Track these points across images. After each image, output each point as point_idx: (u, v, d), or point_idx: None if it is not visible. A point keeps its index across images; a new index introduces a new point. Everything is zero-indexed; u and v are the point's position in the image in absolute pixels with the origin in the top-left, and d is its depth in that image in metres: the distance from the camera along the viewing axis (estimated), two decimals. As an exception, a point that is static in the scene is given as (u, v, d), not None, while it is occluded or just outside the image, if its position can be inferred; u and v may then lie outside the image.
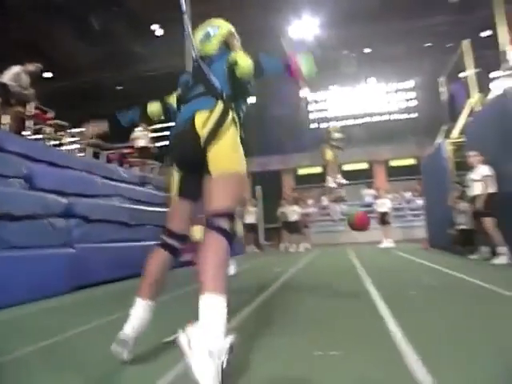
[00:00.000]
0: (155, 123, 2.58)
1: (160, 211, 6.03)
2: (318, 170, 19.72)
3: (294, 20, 14.07)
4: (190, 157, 1.96)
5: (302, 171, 20.35)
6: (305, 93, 17.88)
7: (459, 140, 6.90)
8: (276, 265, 6.19)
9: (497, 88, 6.78)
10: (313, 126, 20.78)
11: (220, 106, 1.92)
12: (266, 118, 18.81)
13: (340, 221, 14.36)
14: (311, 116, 20.81)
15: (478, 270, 4.17)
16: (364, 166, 19.77)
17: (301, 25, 14.06)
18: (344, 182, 11.64)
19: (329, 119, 20.52)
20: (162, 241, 1.99)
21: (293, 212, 10.94)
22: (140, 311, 1.85)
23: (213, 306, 1.53)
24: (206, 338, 1.43)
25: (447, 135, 7.82)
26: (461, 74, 8.01)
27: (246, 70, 1.99)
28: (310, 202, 14.80)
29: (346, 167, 19.53)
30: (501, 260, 4.61)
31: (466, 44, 7.48)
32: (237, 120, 1.97)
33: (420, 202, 12.77)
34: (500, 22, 6.06)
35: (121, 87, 19.96)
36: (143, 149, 9.41)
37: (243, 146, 1.94)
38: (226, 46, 2.29)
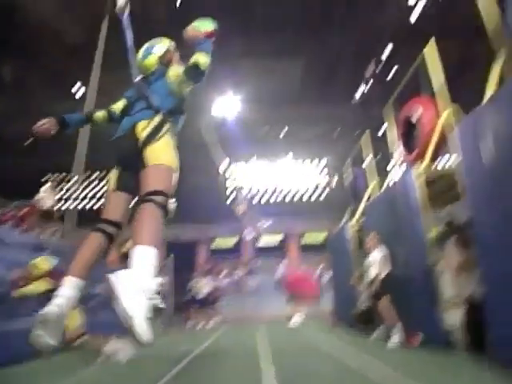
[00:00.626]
0: (97, 126, 2.82)
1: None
2: (233, 241, 19.80)
3: (217, 95, 14.95)
4: (129, 155, 2.29)
5: (217, 242, 20.20)
6: (224, 165, 18.49)
7: (360, 222, 7.46)
8: (180, 344, 5.74)
9: (391, 176, 7.61)
10: (230, 197, 21.21)
11: (158, 117, 2.34)
12: (183, 186, 18.68)
13: (252, 295, 14.19)
14: (229, 187, 21.35)
15: (377, 353, 4.24)
16: (278, 238, 20.32)
17: (224, 100, 14.95)
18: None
19: (246, 192, 21.16)
20: (98, 227, 2.19)
21: (204, 286, 10.56)
22: (68, 290, 1.93)
23: (145, 254, 1.75)
24: (138, 278, 1.60)
25: (351, 217, 8.41)
26: (365, 163, 8.95)
27: (176, 81, 2.48)
28: (223, 274, 14.50)
29: (261, 241, 19.98)
30: (394, 339, 4.82)
31: (366, 136, 8.46)
32: (172, 130, 2.39)
33: (328, 277, 13.22)
34: (389, 121, 6.99)
35: (29, 141, 18.64)
36: (47, 210, 8.59)
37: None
38: (166, 61, 2.68)
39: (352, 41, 13.47)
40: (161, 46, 2.77)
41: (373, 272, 5.33)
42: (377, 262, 5.29)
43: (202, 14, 2.75)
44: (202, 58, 2.41)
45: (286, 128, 18.24)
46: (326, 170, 21.95)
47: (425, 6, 10.71)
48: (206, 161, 18.58)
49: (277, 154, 20.45)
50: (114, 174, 2.37)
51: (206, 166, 18.98)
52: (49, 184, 8.85)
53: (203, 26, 2.55)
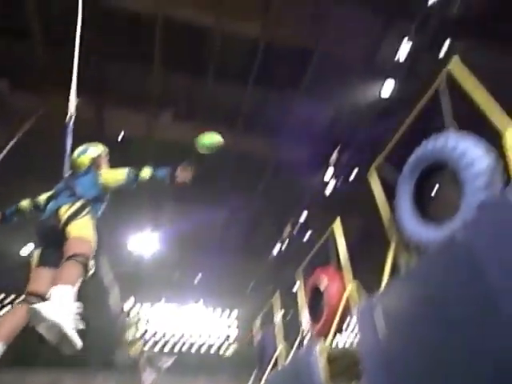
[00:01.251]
0: (23, 216, 3.32)
1: None
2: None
3: (135, 232, 14.65)
4: (52, 234, 2.74)
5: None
6: (128, 304, 17.00)
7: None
8: None
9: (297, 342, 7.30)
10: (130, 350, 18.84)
11: (79, 202, 2.88)
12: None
13: None
14: (128, 333, 19.11)
15: None
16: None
17: (141, 238, 14.62)
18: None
19: (147, 338, 19.12)
20: (23, 299, 2.56)
21: None
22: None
23: (66, 289, 2.29)
24: (61, 304, 2.15)
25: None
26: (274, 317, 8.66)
27: (111, 182, 3.18)
28: None
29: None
30: None
31: (276, 296, 8.41)
32: (91, 214, 2.89)
33: None
34: (300, 286, 7.09)
35: None
36: None
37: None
38: (96, 163, 3.43)
39: (273, 202, 14.67)
40: (95, 149, 3.55)
41: None
42: None
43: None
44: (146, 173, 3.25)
45: (200, 274, 17.91)
46: (236, 322, 21.03)
47: (335, 185, 12.32)
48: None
49: (186, 301, 19.48)
50: (36, 253, 2.81)
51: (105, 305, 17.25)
52: None
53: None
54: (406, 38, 9.38)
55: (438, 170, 3.76)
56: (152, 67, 11.07)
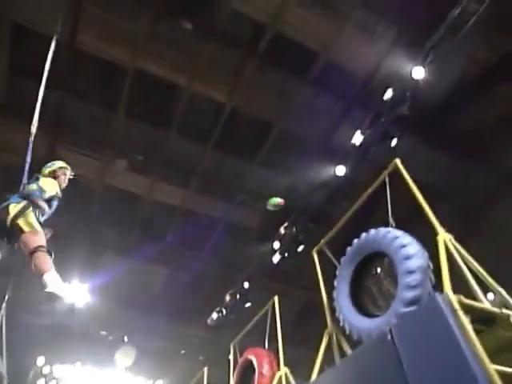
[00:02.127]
0: None
1: None
2: None
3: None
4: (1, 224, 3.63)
5: None
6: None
7: None
8: None
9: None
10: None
11: (24, 202, 3.77)
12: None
13: None
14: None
15: None
16: None
17: (67, 287, 13.42)
18: None
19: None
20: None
21: None
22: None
23: (52, 274, 3.31)
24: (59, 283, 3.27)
25: None
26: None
27: (47, 190, 4.16)
28: None
29: None
30: None
31: (204, 370, 7.84)
32: (34, 212, 3.78)
33: None
34: (232, 358, 6.67)
35: None
36: None
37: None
38: (55, 175, 4.49)
39: (218, 264, 14.29)
40: (55, 164, 4.69)
41: None
42: None
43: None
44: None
45: (126, 338, 16.44)
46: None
47: (282, 256, 12.30)
48: (19, 353, 14.98)
49: (107, 363, 17.55)
50: None
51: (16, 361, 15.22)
52: None
53: None
54: (362, 126, 10.09)
55: (377, 259, 3.85)
56: (116, 113, 11.01)
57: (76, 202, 12.22)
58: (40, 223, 3.76)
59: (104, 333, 16.28)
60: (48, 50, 5.63)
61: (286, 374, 4.73)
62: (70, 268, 12.89)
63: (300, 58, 10.30)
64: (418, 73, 8.45)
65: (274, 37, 9.71)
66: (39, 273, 3.26)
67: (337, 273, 4.08)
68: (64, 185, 4.52)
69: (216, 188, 12.79)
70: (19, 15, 9.12)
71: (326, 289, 4.52)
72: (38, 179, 4.19)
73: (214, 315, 14.51)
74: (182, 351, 17.66)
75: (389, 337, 2.74)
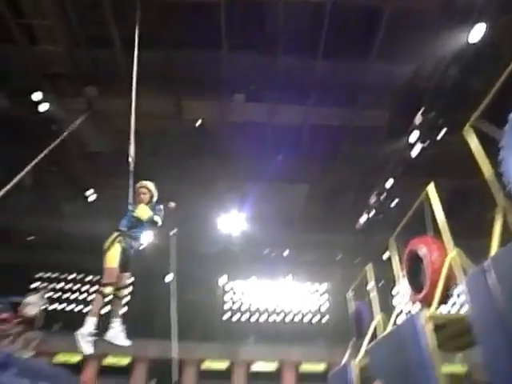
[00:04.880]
0: None
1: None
2: (224, 365, 18.15)
3: (223, 213, 15.38)
4: None
5: (207, 364, 18.42)
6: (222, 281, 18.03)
7: (364, 362, 6.84)
8: None
9: (397, 311, 7.22)
10: (226, 316, 20.14)
11: (115, 234, 4.16)
12: (179, 300, 17.97)
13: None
14: (226, 306, 20.38)
15: None
16: (273, 367, 18.58)
17: (229, 218, 15.32)
18: None
19: (243, 312, 20.22)
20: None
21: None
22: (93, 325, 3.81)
23: (119, 321, 4.13)
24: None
25: (354, 355, 7.78)
26: (367, 288, 8.62)
27: (143, 217, 4.33)
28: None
29: (255, 366, 18.28)
30: None
31: (369, 268, 8.31)
32: (122, 242, 4.15)
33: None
34: (393, 254, 6.93)
35: (32, 237, 18.72)
36: (29, 318, 8.10)
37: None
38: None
39: (355, 171, 14.26)
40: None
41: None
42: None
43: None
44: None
45: (288, 250, 18.24)
46: (326, 295, 21.23)
47: (423, 146, 11.53)
48: (204, 275, 18.24)
49: (277, 275, 20.09)
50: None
51: (203, 281, 18.60)
52: (40, 290, 8.61)
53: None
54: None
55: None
56: (219, 52, 11.25)
57: (205, 144, 13.47)
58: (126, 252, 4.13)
59: (266, 251, 18.50)
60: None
61: (456, 256, 4.70)
62: (226, 201, 14.58)
63: None
64: None
65: None
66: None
67: (501, 144, 3.70)
68: (144, 202, 4.48)
69: (335, 96, 12.36)
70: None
71: (488, 164, 4.19)
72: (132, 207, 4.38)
73: (362, 219, 14.87)
74: (337, 257, 18.88)
75: None
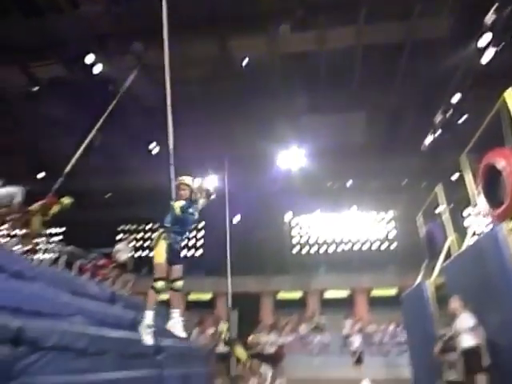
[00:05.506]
0: None
1: (125, 337, 5.44)
2: (298, 294, 19.22)
3: (281, 150, 15.38)
4: None
5: (281, 295, 19.66)
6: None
7: (439, 282, 6.87)
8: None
9: (472, 230, 7.04)
10: (295, 250, 20.92)
11: (160, 230, 4.37)
12: (249, 238, 18.97)
13: (318, 353, 13.44)
14: (294, 240, 21.10)
15: None
16: (345, 293, 19.31)
17: (289, 154, 15.32)
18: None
19: (311, 244, 20.82)
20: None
21: (269, 342, 10.15)
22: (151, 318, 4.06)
23: (179, 312, 4.23)
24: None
25: (428, 274, 7.81)
26: (437, 210, 8.42)
27: (177, 213, 4.22)
28: (287, 329, 13.92)
29: (327, 294, 19.15)
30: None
31: (439, 188, 8.02)
32: (167, 238, 4.25)
33: (405, 337, 12.13)
34: (466, 171, 6.61)
35: (109, 195, 20.34)
36: (122, 263, 9.15)
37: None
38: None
39: (416, 90, 13.29)
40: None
41: (465, 341, 4.73)
42: (468, 330, 4.73)
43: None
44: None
45: (351, 181, 17.97)
46: (392, 222, 21.00)
47: (496, 49, 10.30)
48: (272, 213, 18.78)
49: (341, 207, 20.11)
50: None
51: (270, 219, 19.19)
52: (125, 239, 9.61)
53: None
54: None
55: None
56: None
57: (257, 83, 13.18)
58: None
59: (329, 184, 18.46)
60: None
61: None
62: (283, 137, 14.50)
63: None
64: None
65: None
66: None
67: None
68: (183, 198, 4.34)
69: (388, 9, 11.27)
70: None
71: None
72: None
73: (427, 140, 14.05)
74: (403, 183, 18.32)
75: None
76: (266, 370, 9.91)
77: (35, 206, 6.92)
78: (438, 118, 12.94)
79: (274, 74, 13.28)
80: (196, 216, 4.46)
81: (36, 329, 3.97)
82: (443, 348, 5.72)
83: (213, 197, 4.58)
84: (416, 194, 15.64)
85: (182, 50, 12.51)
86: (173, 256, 4.27)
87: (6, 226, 6.81)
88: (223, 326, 11.25)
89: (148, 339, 3.98)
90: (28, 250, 7.28)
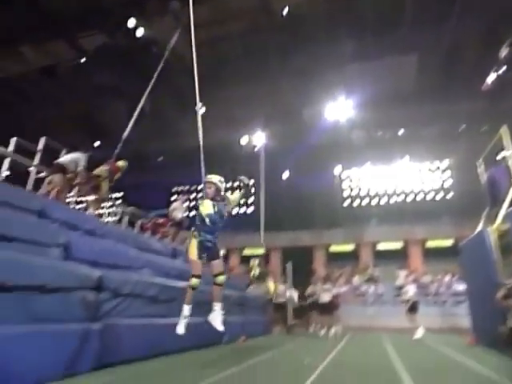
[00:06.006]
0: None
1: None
2: (350, 247, 19.26)
3: (329, 101, 14.87)
4: None
5: (334, 248, 19.83)
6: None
7: (504, 228, 6.56)
8: (304, 354, 5.74)
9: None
10: (346, 203, 20.70)
11: (192, 228, 4.60)
12: (299, 193, 19.05)
13: (372, 303, 13.62)
14: (345, 193, 20.82)
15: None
16: (398, 245, 19.06)
17: (336, 106, 14.81)
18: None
19: (362, 197, 20.48)
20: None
21: (325, 292, 10.43)
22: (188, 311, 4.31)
23: (220, 306, 4.44)
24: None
25: (490, 222, 7.47)
26: (498, 157, 7.89)
27: (203, 213, 4.46)
28: (341, 280, 14.16)
29: (380, 246, 19.02)
30: None
31: (504, 130, 7.46)
32: (197, 236, 4.44)
33: (461, 287, 11.91)
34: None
35: (161, 158, 21.09)
36: (178, 221, 9.61)
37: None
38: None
39: (476, 24, 12.08)
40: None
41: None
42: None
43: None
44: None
45: (402, 130, 17.05)
46: (448, 171, 19.92)
47: None
48: (321, 167, 18.50)
49: (393, 158, 19.32)
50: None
51: (320, 173, 18.97)
52: (179, 199, 10.03)
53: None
54: None
55: None
56: None
57: (300, 32, 12.59)
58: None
59: (379, 134, 17.73)
60: None
61: None
62: (333, 86, 13.97)
63: None
64: None
65: None
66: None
67: None
68: (209, 197, 4.46)
69: None
70: None
71: None
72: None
73: (490, 78, 12.83)
74: (461, 128, 17.14)
75: None
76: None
77: (100, 170, 7.25)
78: (504, 52, 11.70)
79: (316, 22, 12.62)
80: (224, 213, 4.53)
81: (113, 278, 4.40)
82: (507, 294, 5.58)
83: (250, 186, 4.87)
84: (474, 140, 14.65)
85: (221, 4, 12.23)
86: (208, 253, 4.45)
87: (74, 191, 7.27)
88: (254, 262, 11.97)
89: (181, 329, 4.21)
90: (98, 214, 7.84)
